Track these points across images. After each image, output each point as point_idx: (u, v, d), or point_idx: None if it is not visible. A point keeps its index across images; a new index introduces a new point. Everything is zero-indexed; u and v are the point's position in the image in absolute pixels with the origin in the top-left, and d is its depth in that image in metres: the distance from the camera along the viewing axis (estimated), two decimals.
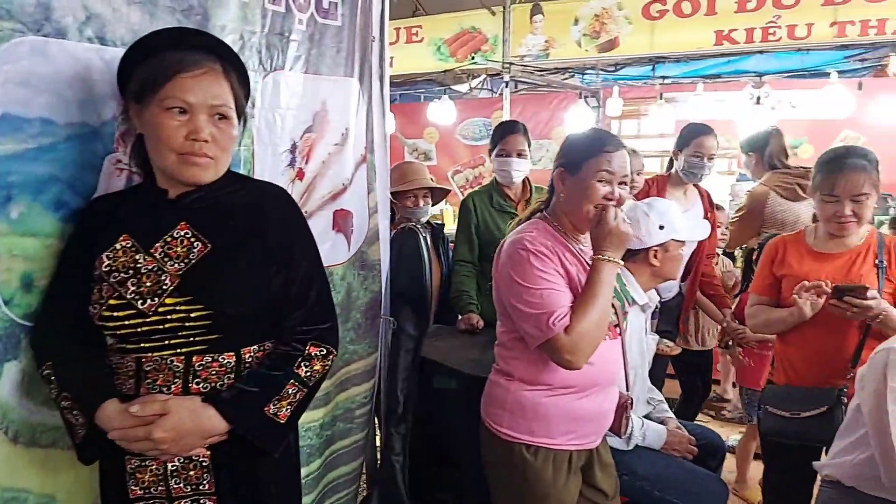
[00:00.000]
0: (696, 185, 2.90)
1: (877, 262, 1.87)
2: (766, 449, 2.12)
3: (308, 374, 1.25)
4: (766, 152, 3.01)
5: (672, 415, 2.15)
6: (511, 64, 5.14)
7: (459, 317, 2.61)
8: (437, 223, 2.92)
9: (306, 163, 1.80)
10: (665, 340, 2.78)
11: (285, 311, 1.26)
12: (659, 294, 2.41)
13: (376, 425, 2.35)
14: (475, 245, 2.66)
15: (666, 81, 6.14)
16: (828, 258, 1.92)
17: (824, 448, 1.80)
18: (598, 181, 1.50)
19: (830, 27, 4.40)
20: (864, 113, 5.44)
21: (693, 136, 2.81)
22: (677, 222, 2.02)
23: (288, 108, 1.73)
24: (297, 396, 1.23)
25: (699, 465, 2.04)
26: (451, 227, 3.10)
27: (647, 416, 2.10)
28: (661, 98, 5.55)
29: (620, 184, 1.52)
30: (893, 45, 6.27)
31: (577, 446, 1.58)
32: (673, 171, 2.89)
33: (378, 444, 2.37)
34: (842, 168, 1.84)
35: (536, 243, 1.50)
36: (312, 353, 1.26)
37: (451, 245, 2.82)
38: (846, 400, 1.76)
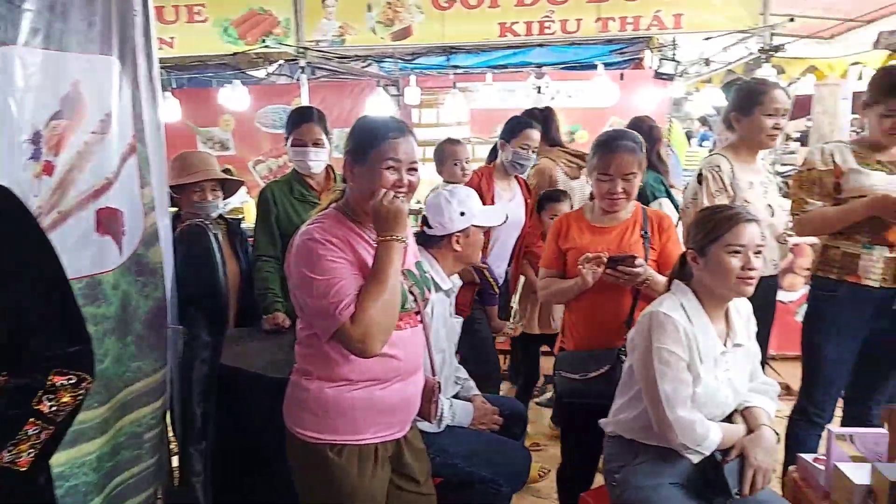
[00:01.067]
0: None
1: (642, 233, 2.10)
2: (562, 412, 2.31)
3: (54, 408, 1.06)
4: (549, 129, 3.26)
5: (478, 391, 2.24)
6: (306, 49, 4.97)
7: (264, 317, 2.46)
8: (232, 218, 2.72)
9: (56, 154, 1.53)
10: (508, 323, 2.92)
11: (18, 335, 1.05)
12: None
13: (172, 445, 2.13)
14: (277, 238, 2.52)
15: (458, 71, 6.40)
16: (603, 231, 2.12)
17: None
18: (386, 169, 1.48)
19: (596, 23, 4.89)
20: (626, 101, 6.18)
21: (521, 129, 2.94)
22: (476, 208, 2.10)
23: (26, 91, 1.46)
24: (42, 436, 1.04)
25: (505, 434, 2.16)
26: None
27: (455, 396, 2.16)
28: (454, 87, 5.75)
29: (409, 170, 1.52)
30: (647, 41, 7.20)
31: (383, 438, 1.56)
32: (498, 161, 3.00)
33: (176, 464, 2.14)
34: (614, 150, 2.03)
35: (325, 233, 1.46)
36: (57, 384, 1.08)
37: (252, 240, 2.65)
38: (624, 358, 1.96)
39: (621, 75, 6.22)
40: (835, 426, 2.03)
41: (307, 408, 1.53)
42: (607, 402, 1.89)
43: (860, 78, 8.45)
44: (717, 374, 1.67)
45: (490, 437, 2.08)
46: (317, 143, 2.53)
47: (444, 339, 2.07)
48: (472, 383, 2.25)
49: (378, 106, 5.55)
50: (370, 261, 1.49)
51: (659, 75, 6.59)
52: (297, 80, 5.53)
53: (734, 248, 1.63)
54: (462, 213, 2.06)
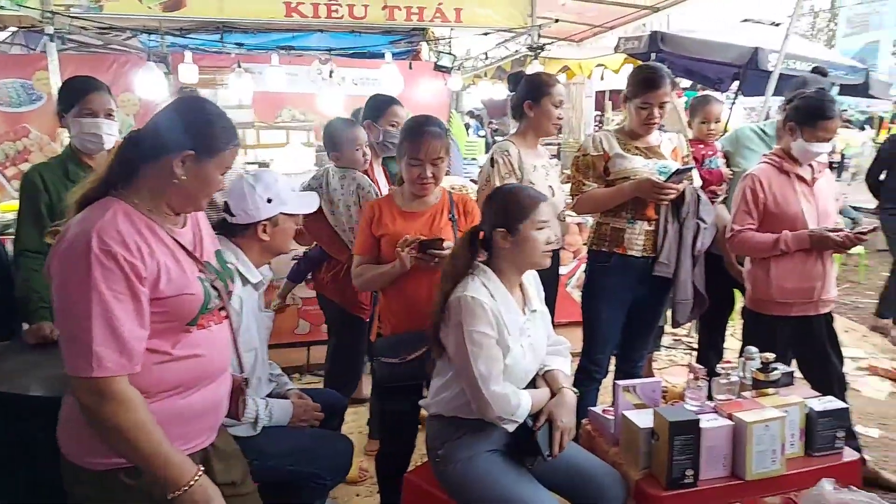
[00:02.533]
0: None
1: (450, 216, 2.18)
2: (380, 397, 2.31)
3: None
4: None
5: (293, 386, 2.15)
6: (54, 14, 4.24)
7: (26, 326, 2.07)
8: None
9: None
10: None
11: None
12: None
13: None
14: (47, 230, 2.12)
15: (240, 50, 6.02)
16: (414, 216, 2.15)
17: (426, 384, 2.05)
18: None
19: (382, 10, 4.94)
20: (410, 91, 6.36)
21: (386, 106, 2.82)
22: (286, 195, 1.98)
23: None
24: None
25: (325, 426, 2.10)
26: None
27: (270, 394, 2.05)
28: (239, 66, 5.40)
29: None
30: (423, 33, 7.45)
31: (189, 450, 1.37)
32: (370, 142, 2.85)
33: None
34: (423, 135, 2.06)
35: (112, 240, 1.22)
36: None
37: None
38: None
39: (410, 65, 6.37)
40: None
41: (90, 431, 1.27)
42: (424, 384, 1.92)
43: (602, 78, 9.77)
44: (522, 343, 1.81)
45: (312, 432, 2.00)
46: (109, 115, 2.19)
47: (256, 335, 1.94)
48: (286, 378, 2.15)
49: (149, 83, 4.98)
50: (175, 268, 1.31)
51: (438, 68, 6.89)
52: (41, 50, 4.72)
53: (539, 224, 1.79)
54: (269, 200, 1.94)
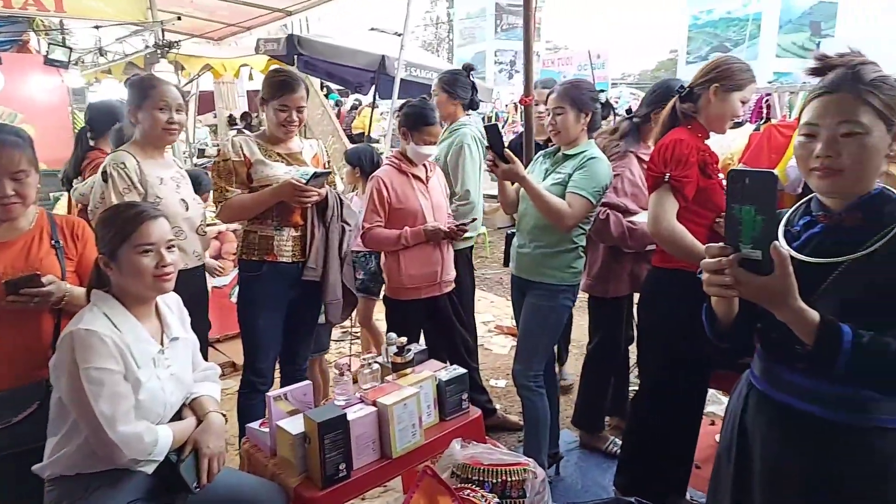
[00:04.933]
0: None
1: (53, 243, 1.86)
2: None
3: None
4: None
5: None
6: None
7: None
8: None
9: None
10: None
11: None
12: None
13: None
14: None
15: None
16: (3, 247, 1.78)
17: None
18: None
19: None
20: (12, 88, 5.30)
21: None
22: None
23: None
24: None
25: None
26: None
27: None
28: None
29: None
30: (31, 22, 6.28)
31: None
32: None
33: None
34: None
35: None
36: None
37: None
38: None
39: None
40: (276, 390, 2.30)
41: None
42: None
43: (251, 78, 9.61)
44: (159, 374, 1.65)
45: None
46: None
47: None
48: None
49: None
50: None
51: (50, 62, 5.90)
52: None
53: (144, 247, 1.62)
54: None
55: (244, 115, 10.67)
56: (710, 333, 1.31)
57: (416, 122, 2.67)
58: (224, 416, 1.79)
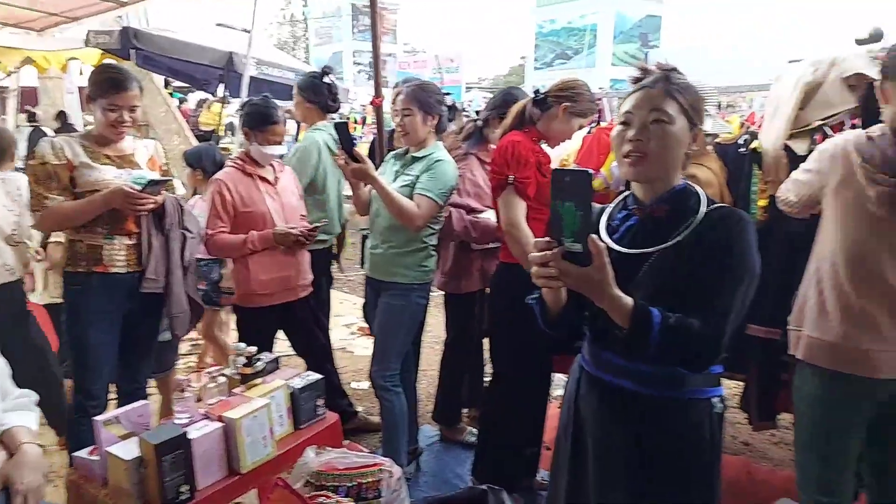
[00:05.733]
0: None
1: None
2: None
3: None
4: None
5: None
6: None
7: None
8: None
9: None
10: None
11: None
12: None
13: None
14: None
15: None
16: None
17: None
18: None
19: None
20: None
21: None
22: None
23: None
24: None
25: None
26: None
27: None
28: None
29: None
30: None
31: None
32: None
33: None
34: None
35: None
36: None
37: None
38: None
39: None
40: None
41: None
42: None
43: (81, 73, 8.73)
44: None
45: None
46: None
47: None
48: None
49: None
50: None
51: None
52: None
53: None
54: None
55: (59, 115, 9.59)
56: (541, 322, 1.39)
57: (258, 121, 2.58)
58: (42, 447, 1.61)
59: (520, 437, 2.41)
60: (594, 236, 1.12)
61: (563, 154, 2.96)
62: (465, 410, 3.25)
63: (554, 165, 2.69)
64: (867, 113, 2.04)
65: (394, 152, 2.73)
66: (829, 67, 2.22)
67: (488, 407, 2.57)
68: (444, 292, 3.09)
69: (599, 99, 3.66)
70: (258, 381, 2.08)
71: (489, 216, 2.80)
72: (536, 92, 2.41)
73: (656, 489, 1.34)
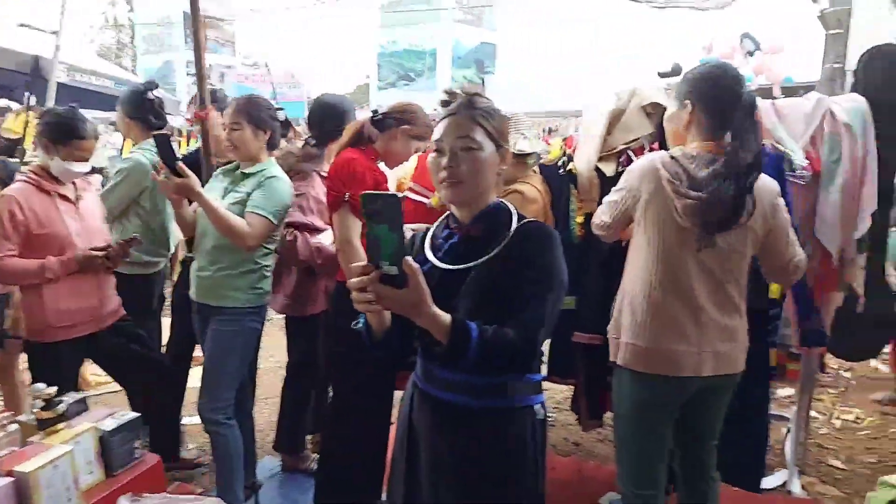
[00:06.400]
0: None
1: None
2: None
3: None
4: None
5: None
6: None
7: None
8: None
9: None
10: None
11: None
12: None
13: None
14: None
15: None
16: None
17: None
18: None
19: None
20: None
21: None
22: None
23: None
24: None
25: None
26: None
27: None
28: None
29: None
30: None
31: None
32: None
33: None
34: None
35: None
36: None
37: None
38: None
39: None
40: None
41: None
42: None
43: None
44: None
45: None
46: None
47: None
48: None
49: None
50: None
51: None
52: None
53: None
54: None
55: None
56: (367, 343, 1.38)
57: (61, 133, 2.31)
58: None
59: (362, 458, 2.36)
60: (408, 258, 1.13)
61: (400, 174, 3.00)
62: (309, 437, 3.13)
63: (391, 185, 2.71)
64: (664, 137, 2.29)
65: (222, 168, 2.59)
66: (630, 97, 2.47)
67: (328, 430, 2.49)
68: (285, 315, 2.97)
69: (436, 121, 3.77)
70: (60, 425, 1.83)
71: (328, 238, 2.75)
72: (374, 112, 2.41)
73: (485, 497, 1.38)
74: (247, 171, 2.43)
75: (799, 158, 2.12)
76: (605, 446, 3.36)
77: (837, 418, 3.74)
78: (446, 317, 1.21)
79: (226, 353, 2.39)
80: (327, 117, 2.80)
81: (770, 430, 3.44)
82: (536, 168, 2.71)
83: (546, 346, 2.91)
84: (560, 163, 2.69)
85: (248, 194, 2.36)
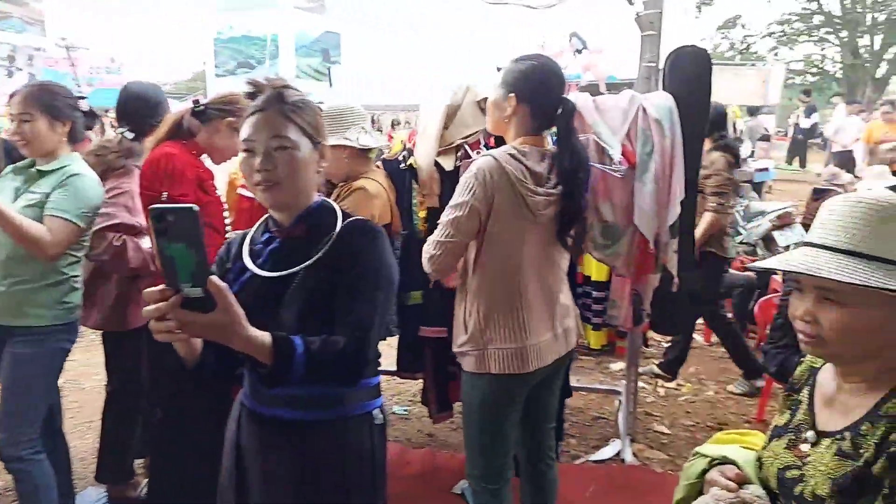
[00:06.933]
0: None
1: None
2: None
3: None
4: None
5: None
6: None
7: None
8: None
9: None
10: None
11: None
12: None
13: None
14: None
15: None
16: None
17: None
18: None
19: None
20: None
21: None
22: None
23: None
24: None
25: None
26: None
27: None
28: None
29: None
30: None
31: None
32: None
33: None
34: None
35: None
36: None
37: None
38: None
39: None
40: None
41: None
42: None
43: None
44: None
45: None
46: None
47: None
48: None
49: None
50: None
51: None
52: None
53: None
54: None
55: None
56: (187, 367, 1.23)
57: None
58: None
59: (193, 482, 2.18)
60: (214, 277, 1.00)
61: (232, 169, 2.80)
62: (139, 461, 2.84)
63: (220, 182, 2.52)
64: None
65: (13, 166, 2.25)
66: (465, 92, 2.50)
67: (156, 453, 2.27)
68: (101, 331, 2.65)
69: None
70: None
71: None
72: (196, 102, 2.21)
73: None
74: (43, 168, 2.13)
75: (616, 153, 2.27)
76: (458, 434, 3.42)
77: (661, 387, 4.11)
78: (265, 336, 1.10)
79: (28, 381, 2.09)
80: (140, 108, 2.53)
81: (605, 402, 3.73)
82: (379, 163, 2.66)
83: (395, 342, 2.89)
84: (401, 157, 2.66)
85: (47, 195, 2.07)
